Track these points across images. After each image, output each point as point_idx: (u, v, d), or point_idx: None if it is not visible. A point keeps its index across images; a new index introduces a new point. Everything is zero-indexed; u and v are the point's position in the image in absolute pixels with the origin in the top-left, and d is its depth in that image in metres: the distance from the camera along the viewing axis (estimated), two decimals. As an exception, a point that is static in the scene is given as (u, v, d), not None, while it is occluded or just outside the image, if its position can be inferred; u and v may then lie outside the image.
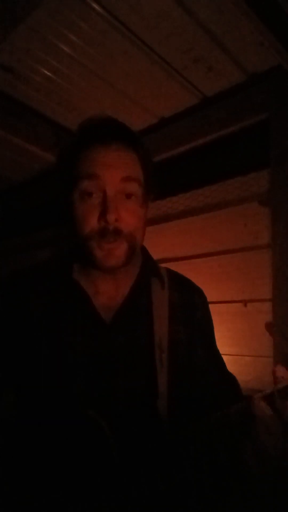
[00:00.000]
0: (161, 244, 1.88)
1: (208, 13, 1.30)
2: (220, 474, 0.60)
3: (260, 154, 1.57)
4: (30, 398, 0.74)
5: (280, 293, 1.44)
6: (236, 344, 1.54)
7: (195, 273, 1.77)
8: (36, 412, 0.72)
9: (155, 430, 0.69)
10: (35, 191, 2.71)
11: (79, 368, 0.72)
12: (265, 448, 0.55)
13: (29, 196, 2.77)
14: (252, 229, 1.61)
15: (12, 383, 0.77)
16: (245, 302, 1.59)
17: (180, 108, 1.80)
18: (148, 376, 0.74)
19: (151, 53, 1.48)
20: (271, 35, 1.34)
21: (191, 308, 0.86)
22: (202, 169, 1.83)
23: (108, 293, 0.79)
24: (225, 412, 0.59)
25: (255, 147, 1.61)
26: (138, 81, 1.64)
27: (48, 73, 1.62)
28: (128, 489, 0.60)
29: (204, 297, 0.92)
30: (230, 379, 0.87)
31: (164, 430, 0.71)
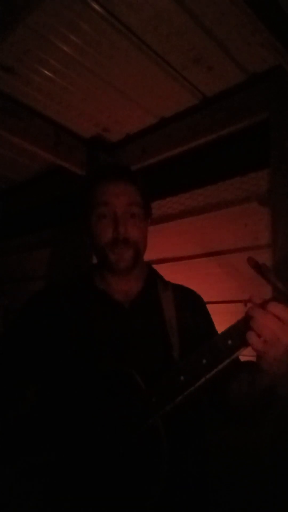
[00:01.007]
0: (161, 244, 1.88)
1: (208, 13, 1.30)
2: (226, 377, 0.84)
3: (260, 154, 1.57)
4: (64, 379, 0.90)
5: (280, 293, 1.44)
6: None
7: (195, 273, 1.78)
8: (69, 388, 0.88)
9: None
10: (35, 191, 2.71)
11: (106, 345, 0.92)
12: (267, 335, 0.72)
13: (29, 196, 2.77)
14: (252, 229, 1.61)
15: (40, 374, 0.95)
16: (245, 302, 1.58)
17: (180, 108, 1.80)
18: (164, 346, 0.95)
19: (151, 53, 1.48)
20: (271, 35, 1.34)
21: (193, 303, 1.10)
22: (202, 169, 1.83)
23: (123, 291, 1.02)
24: (224, 330, 0.77)
25: (255, 147, 1.61)
26: (138, 81, 1.64)
27: (48, 73, 1.62)
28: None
29: (203, 300, 1.14)
30: None
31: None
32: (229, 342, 0.75)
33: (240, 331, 0.74)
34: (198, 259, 1.76)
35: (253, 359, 0.81)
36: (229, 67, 1.53)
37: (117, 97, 1.74)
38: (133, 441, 0.78)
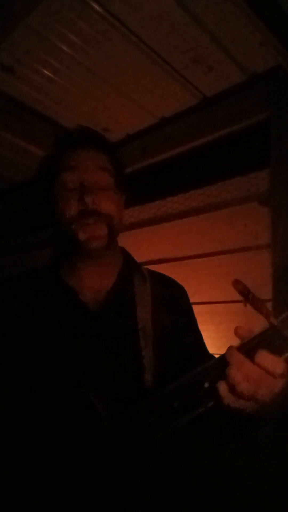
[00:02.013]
0: (161, 244, 1.88)
1: (208, 13, 1.30)
2: (202, 422, 0.66)
3: (260, 154, 1.57)
4: (26, 391, 0.78)
5: (280, 294, 1.44)
6: (236, 337, 1.52)
7: (195, 273, 1.78)
8: (33, 401, 0.76)
9: (144, 399, 0.72)
10: (35, 191, 2.71)
11: (70, 355, 0.79)
12: (241, 393, 0.58)
13: (29, 196, 2.77)
14: (252, 229, 1.61)
15: (6, 383, 0.81)
16: (245, 302, 1.58)
17: (180, 108, 1.80)
18: (134, 356, 0.80)
19: (151, 53, 1.48)
20: (271, 35, 1.34)
21: (173, 299, 0.94)
22: (202, 169, 1.83)
23: (93, 287, 0.86)
24: (204, 366, 0.63)
25: (255, 147, 1.61)
26: (138, 81, 1.64)
27: (48, 73, 1.62)
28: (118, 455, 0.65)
29: (185, 291, 0.99)
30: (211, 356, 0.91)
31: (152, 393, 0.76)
32: (206, 385, 0.61)
33: (219, 374, 0.60)
34: (198, 259, 1.76)
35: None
36: (229, 67, 1.53)
37: (117, 97, 1.74)
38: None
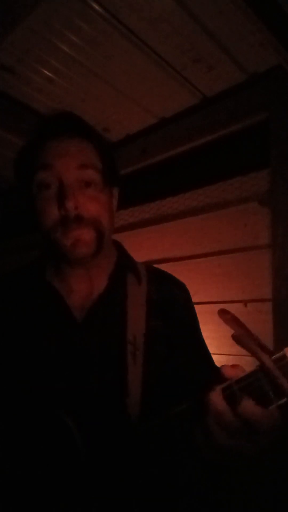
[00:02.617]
0: (161, 244, 1.87)
1: (208, 13, 1.30)
2: (178, 463, 0.62)
3: (260, 154, 1.57)
4: (3, 399, 0.72)
5: (280, 293, 1.44)
6: (236, 344, 1.52)
7: (195, 273, 1.78)
8: (7, 413, 0.70)
9: (123, 427, 0.67)
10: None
11: (52, 368, 0.71)
12: (215, 439, 0.54)
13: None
14: (252, 229, 1.61)
15: None
16: (245, 302, 1.58)
17: (180, 108, 1.80)
18: (119, 375, 0.72)
19: (151, 53, 1.48)
20: (271, 35, 1.34)
21: (171, 302, 0.84)
22: (202, 169, 1.83)
23: (82, 291, 0.78)
24: (186, 403, 0.58)
25: (255, 147, 1.61)
26: (138, 81, 1.64)
27: (49, 73, 1.62)
28: (93, 486, 0.60)
29: (186, 291, 0.89)
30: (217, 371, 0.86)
31: (133, 427, 0.69)
32: (184, 427, 0.58)
33: (197, 418, 0.56)
34: (198, 259, 1.76)
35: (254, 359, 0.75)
36: (229, 67, 1.53)
37: (117, 97, 1.74)
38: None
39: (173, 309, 0.83)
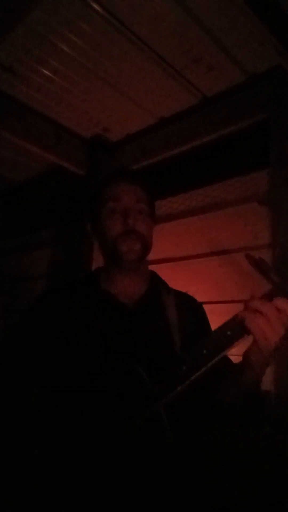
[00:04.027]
0: (161, 244, 1.87)
1: (208, 13, 1.30)
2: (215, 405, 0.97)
3: (260, 154, 1.57)
4: (69, 374, 0.92)
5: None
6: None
7: (195, 273, 1.78)
8: (80, 378, 0.90)
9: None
10: (35, 191, 2.71)
11: (110, 343, 0.95)
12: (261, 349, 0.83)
13: (29, 196, 2.77)
14: (252, 229, 1.61)
15: (46, 374, 0.97)
16: (245, 302, 1.58)
17: (180, 108, 1.80)
18: (167, 348, 0.99)
19: (151, 53, 1.48)
20: (271, 35, 1.34)
21: (193, 309, 1.14)
22: (202, 169, 1.83)
23: (129, 292, 1.06)
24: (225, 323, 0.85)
25: (255, 147, 1.61)
26: (138, 81, 1.64)
27: (48, 73, 1.62)
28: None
29: (202, 307, 1.18)
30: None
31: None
32: (228, 333, 0.82)
33: (239, 323, 0.82)
34: (198, 259, 1.76)
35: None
36: (229, 67, 1.53)
37: (117, 97, 1.74)
38: (137, 428, 0.81)
39: (195, 313, 1.13)
